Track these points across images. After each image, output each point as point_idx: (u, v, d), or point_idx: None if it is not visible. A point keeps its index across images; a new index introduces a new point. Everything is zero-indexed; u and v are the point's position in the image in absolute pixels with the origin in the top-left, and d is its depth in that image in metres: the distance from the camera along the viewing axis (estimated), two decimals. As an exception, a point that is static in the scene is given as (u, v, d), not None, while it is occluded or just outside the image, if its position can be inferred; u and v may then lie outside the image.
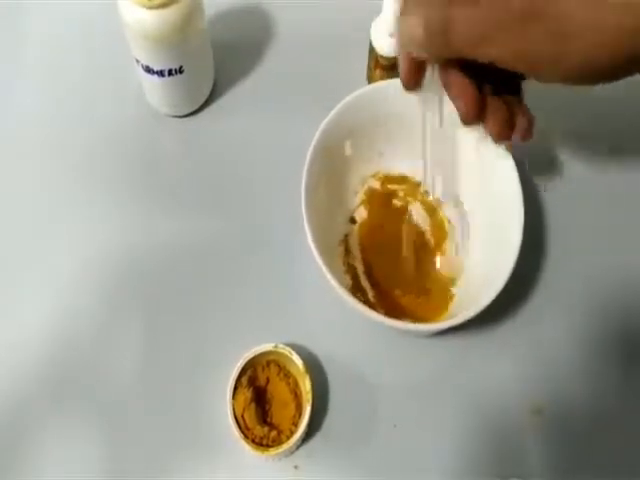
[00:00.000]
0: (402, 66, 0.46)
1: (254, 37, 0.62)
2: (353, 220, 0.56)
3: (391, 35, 0.55)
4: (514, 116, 0.46)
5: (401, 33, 0.43)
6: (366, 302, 0.52)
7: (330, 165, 0.52)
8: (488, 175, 0.51)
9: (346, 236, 0.55)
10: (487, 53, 0.40)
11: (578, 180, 0.58)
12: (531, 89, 0.46)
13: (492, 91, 0.46)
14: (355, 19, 0.57)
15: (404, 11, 0.43)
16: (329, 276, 0.46)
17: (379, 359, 0.52)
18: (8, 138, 0.60)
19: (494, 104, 0.46)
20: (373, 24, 0.56)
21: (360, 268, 0.54)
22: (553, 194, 0.58)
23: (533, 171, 0.57)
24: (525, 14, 0.38)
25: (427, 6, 0.41)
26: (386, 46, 0.56)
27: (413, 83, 0.47)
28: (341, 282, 0.47)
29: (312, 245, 0.47)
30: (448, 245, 0.55)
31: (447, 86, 0.45)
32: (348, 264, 0.54)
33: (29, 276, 0.55)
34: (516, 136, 0.47)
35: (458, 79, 0.44)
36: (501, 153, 0.50)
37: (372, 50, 0.57)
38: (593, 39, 0.37)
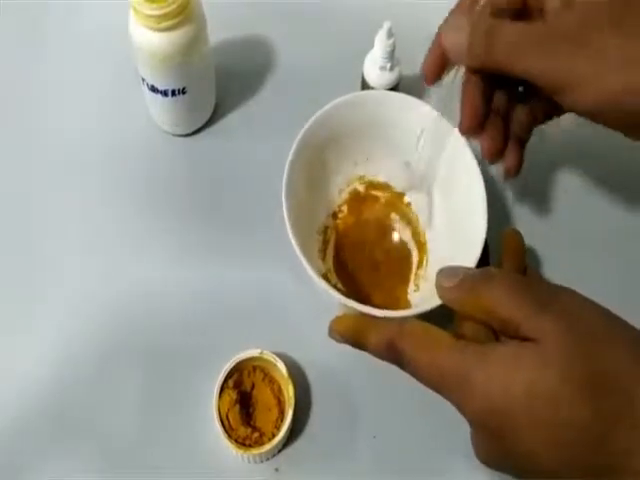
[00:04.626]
0: (428, 59, 0.47)
1: (255, 65, 0.65)
2: (335, 215, 0.58)
3: (381, 68, 0.59)
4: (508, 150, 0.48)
5: (444, 38, 0.45)
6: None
7: (314, 163, 0.53)
8: (455, 174, 0.53)
9: (326, 228, 0.57)
10: (525, 69, 0.42)
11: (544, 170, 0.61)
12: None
13: (504, 113, 0.48)
14: (350, 53, 0.61)
15: (449, 19, 0.45)
16: (302, 258, 0.47)
17: (360, 367, 0.53)
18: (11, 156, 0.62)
19: (494, 130, 0.47)
20: (366, 58, 0.60)
21: (331, 258, 0.56)
22: (519, 187, 0.60)
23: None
24: (569, 39, 0.41)
25: (473, 15, 0.43)
26: (377, 78, 0.59)
27: (432, 78, 0.48)
28: (316, 268, 0.48)
29: (288, 224, 0.48)
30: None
31: (463, 91, 0.46)
32: (324, 252, 0.56)
33: (29, 310, 0.56)
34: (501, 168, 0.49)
35: (471, 89, 0.46)
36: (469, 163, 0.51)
37: (364, 82, 0.60)
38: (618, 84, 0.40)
